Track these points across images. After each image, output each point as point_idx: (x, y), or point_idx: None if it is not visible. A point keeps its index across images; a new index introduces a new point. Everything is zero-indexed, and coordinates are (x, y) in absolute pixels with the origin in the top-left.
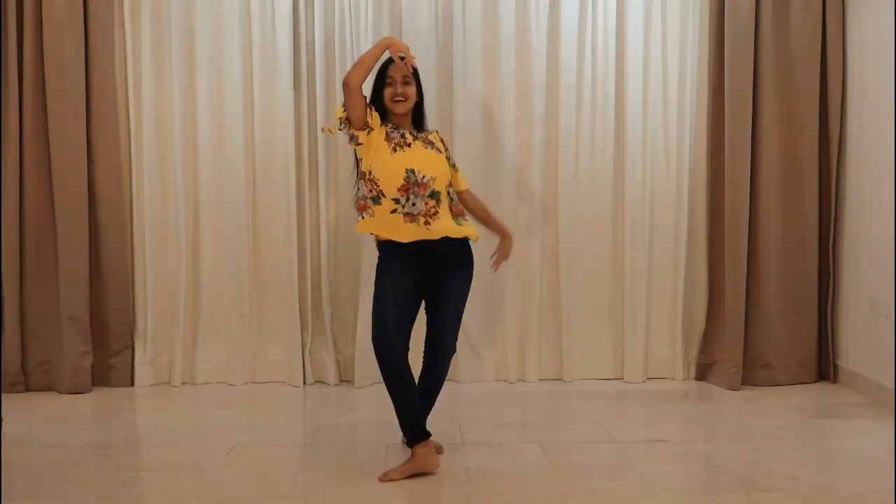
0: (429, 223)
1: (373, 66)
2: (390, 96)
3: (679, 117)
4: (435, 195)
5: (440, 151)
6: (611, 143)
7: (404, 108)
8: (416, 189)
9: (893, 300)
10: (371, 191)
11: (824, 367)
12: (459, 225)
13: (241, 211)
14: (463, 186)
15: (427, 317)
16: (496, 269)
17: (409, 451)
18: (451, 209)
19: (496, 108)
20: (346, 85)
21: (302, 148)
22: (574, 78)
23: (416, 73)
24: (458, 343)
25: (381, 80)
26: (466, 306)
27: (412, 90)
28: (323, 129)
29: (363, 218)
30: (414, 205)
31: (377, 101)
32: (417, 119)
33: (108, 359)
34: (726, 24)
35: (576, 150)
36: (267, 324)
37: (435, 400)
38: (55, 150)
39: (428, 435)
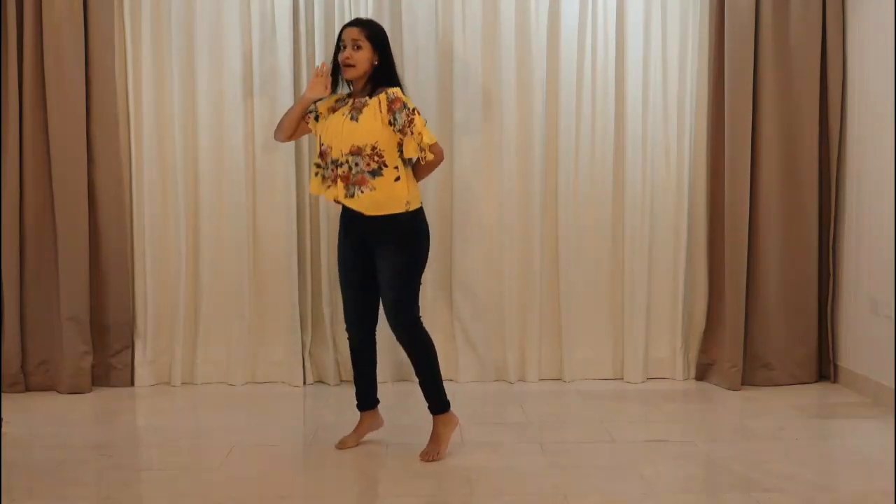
0: (329, 188)
1: (295, 124)
2: (341, 61)
3: (679, 117)
4: (335, 162)
5: (371, 118)
6: (611, 143)
7: (351, 73)
8: (323, 157)
9: (893, 300)
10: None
11: (824, 367)
12: (351, 196)
13: (241, 211)
14: (411, 154)
15: None
16: None
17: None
18: (348, 178)
19: (496, 108)
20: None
21: (302, 147)
22: (574, 78)
23: (375, 36)
24: (457, 342)
25: (337, 45)
26: (467, 302)
27: (362, 55)
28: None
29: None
30: (326, 170)
31: (336, 66)
32: (381, 82)
33: (108, 359)
34: (726, 24)
35: (576, 150)
36: (267, 324)
37: (425, 374)
38: (55, 150)
39: (374, 406)
